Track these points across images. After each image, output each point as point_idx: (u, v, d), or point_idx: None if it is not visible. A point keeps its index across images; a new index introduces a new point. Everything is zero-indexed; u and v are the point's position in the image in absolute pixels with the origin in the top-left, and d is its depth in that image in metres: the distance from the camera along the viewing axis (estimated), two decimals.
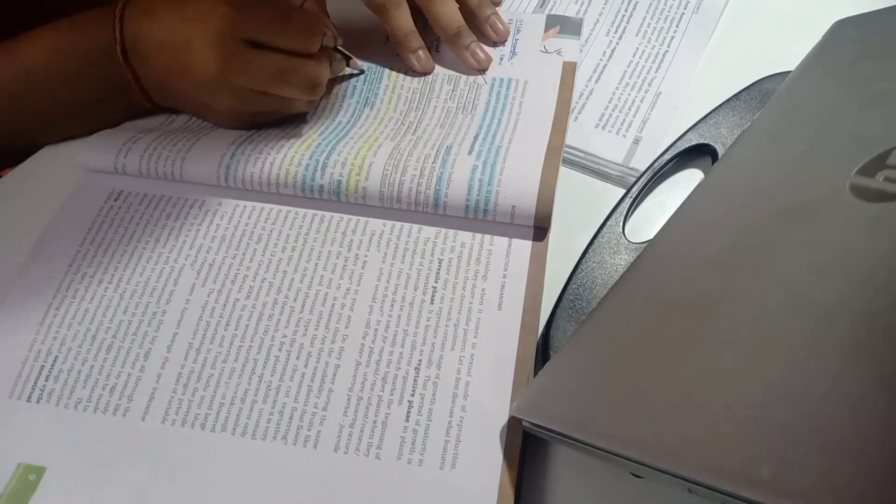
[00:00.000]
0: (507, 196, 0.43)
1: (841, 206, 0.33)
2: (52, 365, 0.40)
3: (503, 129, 0.47)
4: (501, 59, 0.52)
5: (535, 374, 0.37)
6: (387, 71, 0.52)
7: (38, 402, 0.39)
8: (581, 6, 0.56)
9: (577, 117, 0.50)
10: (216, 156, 0.45)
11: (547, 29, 0.53)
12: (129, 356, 0.40)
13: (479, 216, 0.43)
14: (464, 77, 0.51)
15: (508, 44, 0.53)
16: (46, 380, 0.39)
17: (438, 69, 0.52)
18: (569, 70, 0.50)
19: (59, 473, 0.36)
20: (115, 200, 0.46)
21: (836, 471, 0.23)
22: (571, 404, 0.33)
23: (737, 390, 0.27)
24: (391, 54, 0.53)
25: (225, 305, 0.41)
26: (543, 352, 0.39)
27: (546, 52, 0.52)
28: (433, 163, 0.44)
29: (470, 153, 0.45)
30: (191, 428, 0.37)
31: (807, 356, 0.27)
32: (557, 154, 0.45)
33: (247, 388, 0.38)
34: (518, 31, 0.53)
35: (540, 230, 0.43)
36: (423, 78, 0.52)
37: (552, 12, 0.55)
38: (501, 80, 0.51)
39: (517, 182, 0.43)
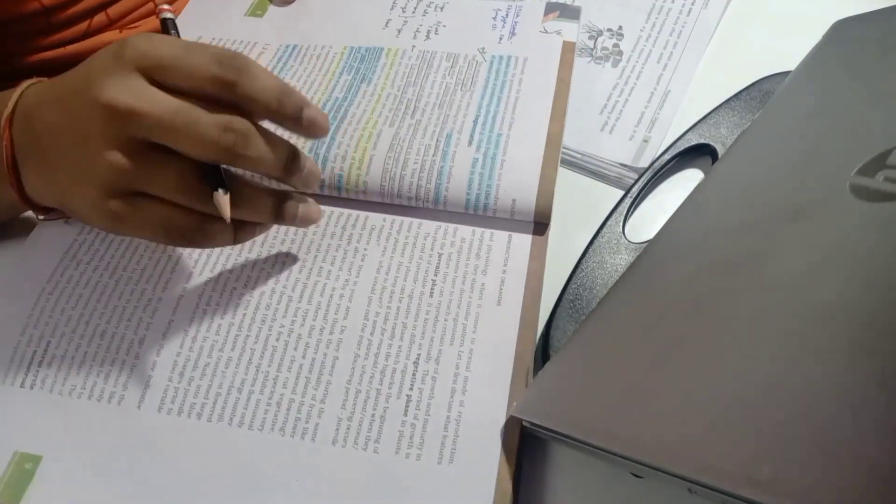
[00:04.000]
0: (508, 191, 0.43)
1: (841, 206, 0.33)
2: (45, 350, 0.39)
3: (503, 109, 0.47)
4: (501, 38, 0.52)
5: (535, 373, 0.37)
6: (384, 49, 0.52)
7: (31, 388, 0.38)
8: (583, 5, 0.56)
9: (580, 119, 0.49)
10: None
11: (546, 14, 0.53)
12: (124, 342, 0.40)
13: (480, 211, 0.43)
14: (462, 54, 0.51)
15: (508, 25, 0.52)
16: (39, 365, 0.39)
17: (436, 48, 0.52)
18: (568, 49, 0.50)
19: (55, 462, 0.36)
20: None
21: (836, 471, 0.23)
22: (571, 404, 0.33)
23: (737, 390, 0.28)
24: (390, 37, 0.53)
25: (222, 294, 0.41)
26: (543, 352, 0.39)
27: (545, 32, 0.52)
28: (433, 155, 0.44)
29: (470, 143, 0.45)
30: (187, 417, 0.37)
31: (807, 356, 0.27)
32: (557, 144, 0.45)
33: (244, 378, 0.38)
34: (517, 15, 0.53)
35: (540, 225, 0.43)
36: (421, 54, 0.51)
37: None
38: (501, 57, 0.50)
39: (517, 177, 0.43)
